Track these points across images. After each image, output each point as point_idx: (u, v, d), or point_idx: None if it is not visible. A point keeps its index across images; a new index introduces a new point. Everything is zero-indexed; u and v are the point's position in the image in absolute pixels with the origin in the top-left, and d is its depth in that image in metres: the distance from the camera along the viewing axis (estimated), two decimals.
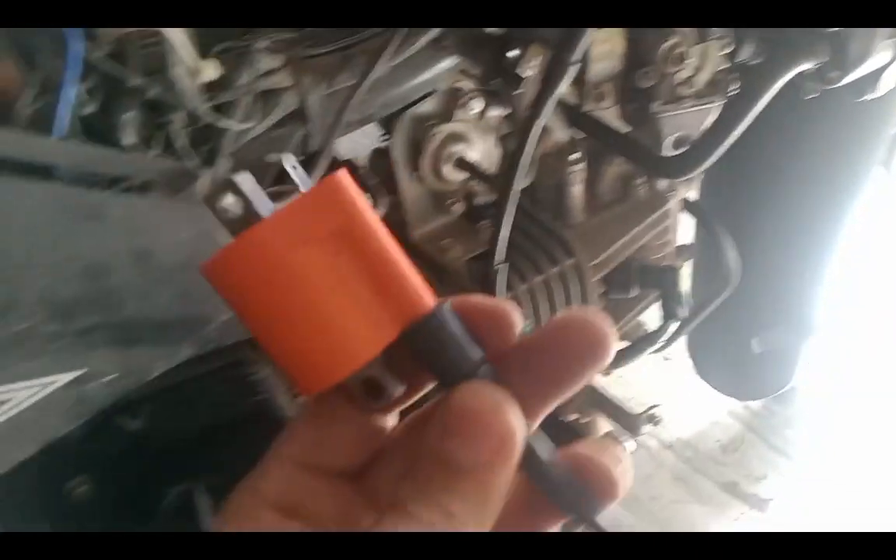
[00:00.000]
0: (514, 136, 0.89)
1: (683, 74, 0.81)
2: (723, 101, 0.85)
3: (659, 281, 0.94)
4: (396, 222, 0.89)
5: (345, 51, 0.68)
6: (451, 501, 0.27)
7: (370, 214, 0.29)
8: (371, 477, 0.33)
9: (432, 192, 0.89)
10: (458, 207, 0.91)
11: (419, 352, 0.30)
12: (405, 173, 0.86)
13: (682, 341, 1.06)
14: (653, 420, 1.07)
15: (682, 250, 1.09)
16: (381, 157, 0.90)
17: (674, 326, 0.93)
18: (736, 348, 1.38)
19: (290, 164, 0.31)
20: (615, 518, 0.31)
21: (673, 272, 0.94)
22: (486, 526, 0.28)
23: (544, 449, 0.30)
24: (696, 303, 0.99)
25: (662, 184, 0.97)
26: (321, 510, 0.30)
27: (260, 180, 0.62)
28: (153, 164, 0.51)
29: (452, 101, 0.83)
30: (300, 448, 0.31)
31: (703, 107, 0.84)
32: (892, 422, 1.97)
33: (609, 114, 0.89)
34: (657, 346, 0.94)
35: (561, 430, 0.30)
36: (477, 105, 0.83)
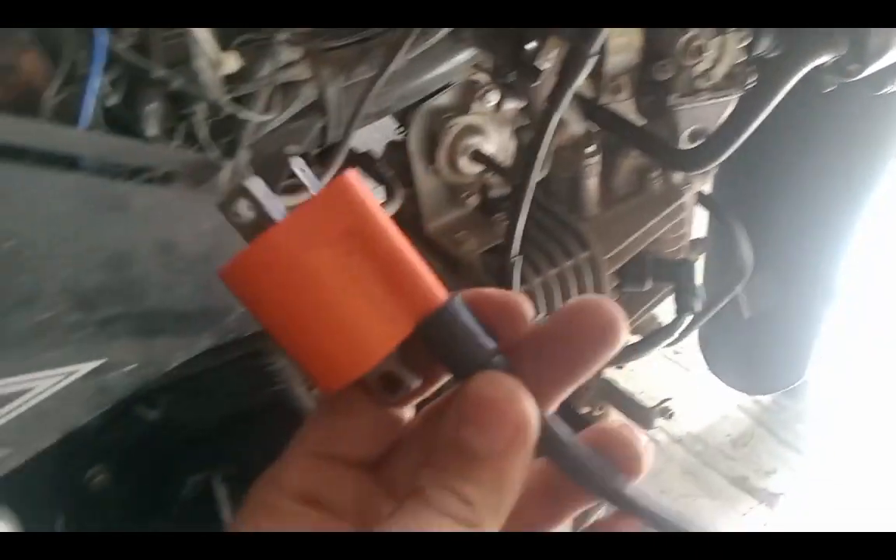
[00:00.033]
0: (530, 129, 0.89)
1: (701, 67, 0.81)
2: (740, 94, 0.84)
3: (673, 274, 0.94)
4: (411, 215, 0.89)
5: (363, 43, 0.68)
6: (468, 488, 0.28)
7: (380, 213, 0.29)
8: (389, 467, 0.33)
9: (448, 184, 0.89)
10: (474, 200, 0.91)
11: (433, 345, 0.30)
12: (421, 166, 0.86)
13: (693, 336, 1.05)
14: (665, 413, 1.08)
15: (697, 244, 1.09)
16: (396, 149, 0.90)
17: (687, 320, 0.93)
18: (747, 343, 1.37)
19: (299, 166, 0.31)
20: (642, 493, 0.31)
21: (688, 265, 0.94)
22: (502, 513, 0.28)
23: (563, 431, 0.31)
24: (708, 296, 0.99)
25: (678, 177, 0.97)
26: (341, 499, 0.31)
27: (279, 171, 0.63)
28: (176, 156, 0.51)
29: (469, 94, 0.83)
30: (319, 440, 0.32)
31: (720, 100, 0.84)
32: None
33: (625, 107, 0.89)
34: (672, 339, 0.93)
35: (574, 423, 0.30)
36: (493, 98, 0.83)
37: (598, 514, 0.35)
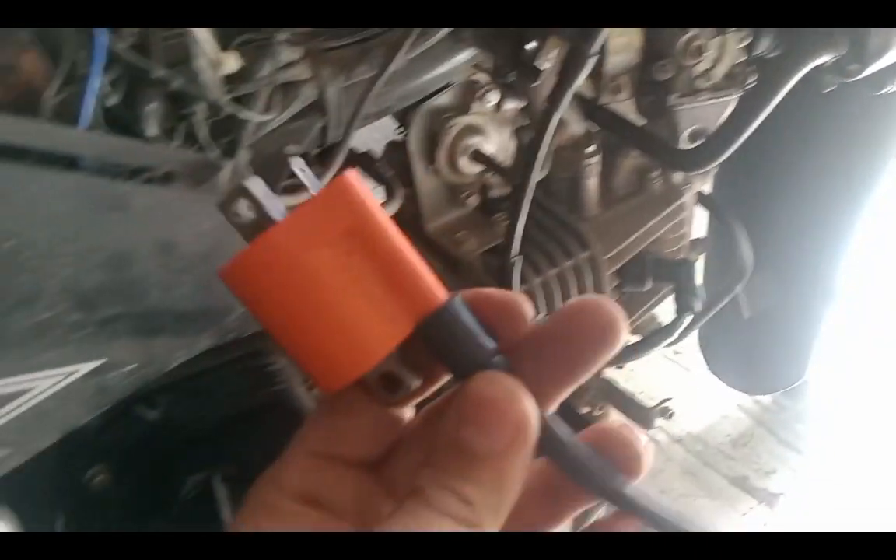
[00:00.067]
0: (530, 129, 0.89)
1: (701, 67, 0.81)
2: (740, 94, 0.84)
3: (673, 274, 0.94)
4: (411, 215, 0.89)
5: (363, 43, 0.68)
6: (468, 488, 0.28)
7: (380, 213, 0.29)
8: (389, 467, 0.33)
9: (447, 184, 0.89)
10: (473, 200, 0.91)
11: (433, 345, 0.30)
12: (421, 166, 0.86)
13: (692, 336, 1.05)
14: (666, 413, 1.08)
15: (696, 244, 1.09)
16: (396, 149, 0.90)
17: (687, 320, 0.93)
18: (747, 343, 1.37)
19: (299, 166, 0.31)
20: (642, 493, 0.31)
21: (688, 265, 0.94)
22: (502, 513, 0.28)
23: (563, 431, 0.31)
24: (708, 296, 0.99)
25: (678, 177, 0.97)
26: (341, 499, 0.31)
27: (279, 171, 0.63)
28: (176, 156, 0.51)
29: (469, 94, 0.83)
30: (320, 440, 0.32)
31: (720, 100, 0.84)
32: None
33: (625, 107, 0.89)
34: (672, 339, 0.93)
35: (574, 423, 0.30)
36: (493, 98, 0.83)
37: (597, 515, 0.35)
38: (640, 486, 0.31)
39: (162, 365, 0.54)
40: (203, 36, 0.52)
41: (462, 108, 0.84)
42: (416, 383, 0.32)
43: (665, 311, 1.12)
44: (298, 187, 0.31)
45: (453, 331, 0.30)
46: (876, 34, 0.70)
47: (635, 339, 1.01)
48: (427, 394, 0.33)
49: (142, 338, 0.51)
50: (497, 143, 0.88)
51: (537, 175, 0.70)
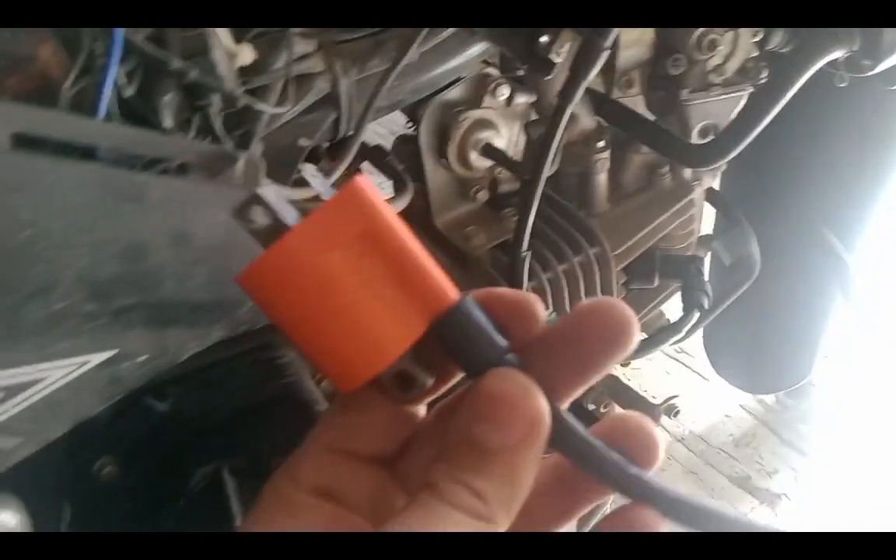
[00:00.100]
0: (540, 124, 0.89)
1: (714, 62, 0.81)
2: (751, 89, 0.84)
3: (682, 271, 0.94)
4: (420, 209, 0.89)
5: (376, 36, 0.68)
6: (481, 482, 0.28)
7: (391, 216, 0.30)
8: (403, 463, 0.34)
9: (457, 179, 0.89)
10: (483, 195, 0.91)
11: (446, 343, 0.31)
12: (431, 160, 0.86)
13: (696, 335, 1.06)
14: (672, 411, 1.08)
15: (705, 241, 1.09)
16: (405, 144, 0.90)
17: (696, 316, 0.93)
18: (751, 342, 1.38)
19: (311, 172, 0.32)
20: (658, 482, 0.31)
21: (697, 262, 0.94)
22: (514, 507, 0.29)
23: (576, 426, 0.31)
24: (715, 294, 0.99)
25: (687, 173, 0.97)
26: (355, 494, 0.31)
27: (292, 164, 0.63)
28: (191, 147, 0.51)
29: (481, 88, 0.83)
30: (335, 436, 0.32)
31: (732, 95, 0.84)
32: None
33: (634, 102, 0.89)
34: (679, 336, 0.94)
35: (581, 419, 0.31)
36: (505, 92, 0.83)
37: (604, 511, 0.35)
38: (656, 476, 0.32)
39: (174, 356, 0.54)
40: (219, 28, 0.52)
41: (474, 101, 0.84)
42: (429, 382, 0.32)
43: (668, 308, 1.12)
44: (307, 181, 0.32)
45: (466, 329, 0.31)
46: (889, 30, 0.70)
47: (642, 335, 1.01)
48: (440, 392, 0.34)
49: (155, 328, 0.51)
50: (507, 138, 0.88)
51: (548, 170, 0.70)
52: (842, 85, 0.77)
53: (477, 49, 0.75)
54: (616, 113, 0.83)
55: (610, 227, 0.92)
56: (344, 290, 0.29)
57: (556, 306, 0.86)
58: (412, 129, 0.87)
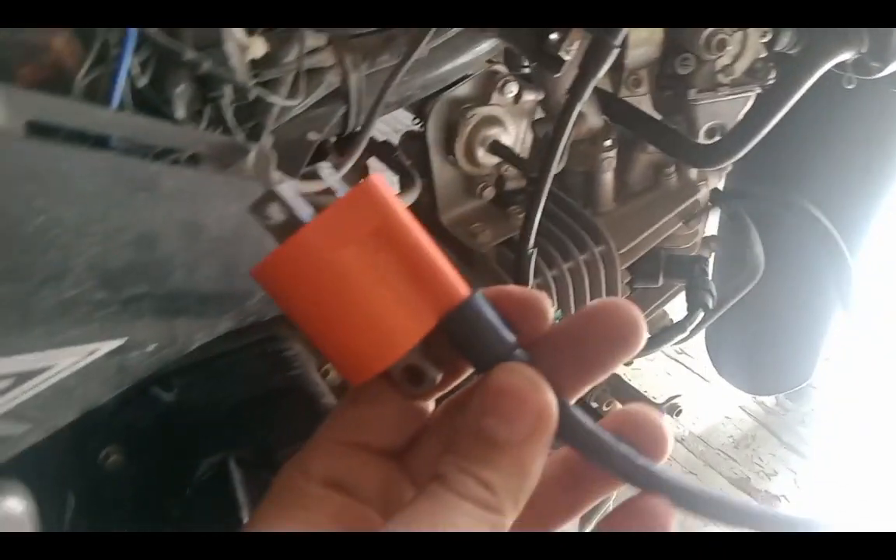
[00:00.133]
0: (548, 121, 0.89)
1: (722, 62, 0.81)
2: (759, 90, 0.84)
3: (687, 271, 0.94)
4: (426, 205, 0.90)
5: (387, 31, 0.68)
6: (489, 473, 0.28)
7: (404, 213, 0.31)
8: (411, 456, 0.34)
9: (464, 175, 0.89)
10: (489, 192, 0.91)
11: (456, 338, 0.31)
12: (438, 156, 0.86)
13: (697, 336, 1.06)
14: (674, 411, 1.08)
15: (709, 241, 1.09)
16: (412, 140, 0.90)
17: (700, 316, 0.93)
18: (753, 343, 1.38)
19: (326, 169, 0.33)
20: (668, 472, 0.32)
21: (701, 262, 0.94)
22: (522, 498, 0.29)
23: (584, 419, 0.31)
24: (718, 294, 0.99)
25: (693, 173, 0.97)
26: (365, 485, 0.32)
27: (301, 157, 0.63)
28: (203, 138, 0.51)
29: (489, 85, 0.83)
30: (345, 429, 0.33)
31: (740, 95, 0.84)
32: None
33: (642, 101, 0.89)
34: (684, 335, 0.94)
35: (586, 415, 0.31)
36: (513, 89, 0.83)
37: (605, 510, 0.35)
38: (665, 466, 0.32)
39: (183, 346, 0.54)
40: None
41: (482, 98, 0.84)
42: (438, 377, 0.33)
43: (671, 308, 1.12)
44: (315, 174, 0.32)
45: (475, 325, 0.31)
46: None
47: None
48: (449, 388, 0.35)
49: (164, 318, 0.51)
50: (514, 136, 0.88)
51: (556, 167, 0.70)
52: (849, 87, 0.77)
53: (486, 46, 0.75)
54: (623, 112, 0.83)
55: (615, 226, 0.92)
56: (356, 284, 0.30)
57: (561, 304, 0.86)
58: (419, 125, 0.87)
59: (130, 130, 0.47)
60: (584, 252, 0.87)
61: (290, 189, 0.30)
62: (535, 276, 0.81)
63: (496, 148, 0.85)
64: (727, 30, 0.80)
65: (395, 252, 0.30)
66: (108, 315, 0.48)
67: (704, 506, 0.31)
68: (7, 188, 0.41)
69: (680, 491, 0.31)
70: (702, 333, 1.12)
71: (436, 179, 0.87)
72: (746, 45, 0.82)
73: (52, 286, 0.45)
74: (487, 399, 0.30)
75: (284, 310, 0.31)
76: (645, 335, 0.31)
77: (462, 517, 0.28)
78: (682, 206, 0.95)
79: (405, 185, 0.82)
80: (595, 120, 0.87)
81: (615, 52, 0.65)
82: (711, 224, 1.14)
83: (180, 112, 0.51)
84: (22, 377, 0.47)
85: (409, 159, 0.85)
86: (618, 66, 0.84)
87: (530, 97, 0.85)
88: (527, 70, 0.91)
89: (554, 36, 0.67)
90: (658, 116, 0.89)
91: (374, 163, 0.88)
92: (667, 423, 0.33)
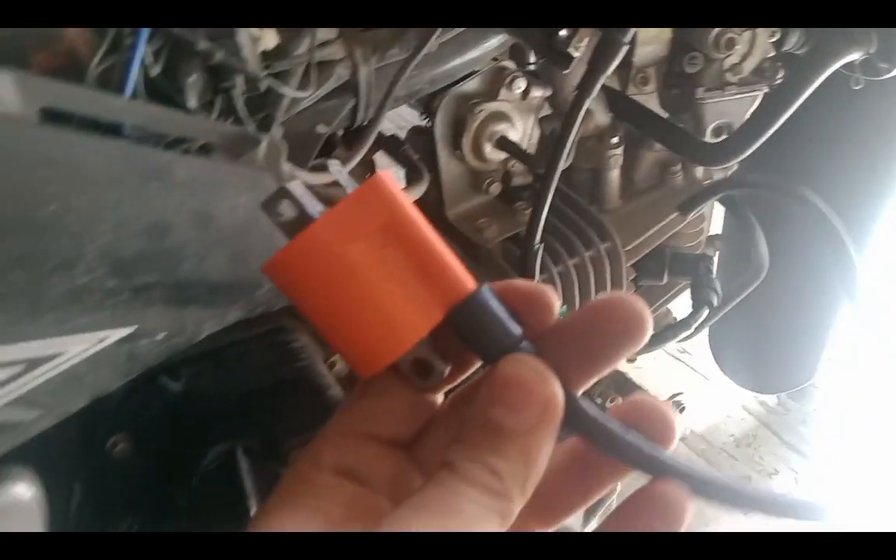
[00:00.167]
0: (555, 118, 0.89)
1: (731, 61, 0.81)
2: (767, 90, 0.85)
3: (692, 269, 0.94)
4: (433, 200, 0.90)
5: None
6: (497, 461, 0.29)
7: (411, 209, 0.31)
8: (421, 447, 0.35)
9: (471, 171, 0.89)
10: (496, 188, 0.91)
11: (463, 331, 0.32)
12: (445, 152, 0.87)
13: (699, 335, 1.06)
14: (677, 408, 1.08)
15: (714, 240, 1.09)
16: (419, 134, 0.90)
17: (705, 314, 0.93)
18: (757, 341, 1.38)
19: (336, 167, 0.34)
20: (678, 458, 0.32)
21: (706, 260, 0.94)
22: (529, 486, 0.30)
23: (592, 408, 0.32)
24: (723, 293, 0.99)
25: (699, 172, 0.97)
26: (375, 474, 0.32)
27: (310, 150, 0.63)
28: (215, 128, 0.51)
29: (497, 81, 0.83)
30: (355, 420, 0.33)
31: (747, 94, 0.84)
32: None
33: (648, 99, 0.89)
34: (689, 332, 0.94)
35: None
36: (521, 84, 0.83)
37: (608, 505, 0.36)
38: (674, 453, 0.32)
39: (192, 334, 0.54)
40: None
41: (490, 94, 0.84)
42: (446, 370, 0.33)
43: (675, 306, 1.12)
44: (324, 167, 0.33)
45: (482, 318, 0.32)
46: None
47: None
48: (457, 381, 0.35)
49: (174, 307, 0.52)
50: (521, 132, 0.88)
51: (563, 163, 0.71)
52: (857, 87, 0.77)
53: (495, 41, 0.76)
54: (630, 110, 0.84)
55: (621, 224, 0.92)
56: (365, 279, 0.30)
57: (567, 301, 0.86)
58: (426, 120, 0.87)
59: (143, 119, 0.48)
60: (590, 249, 0.87)
61: (300, 186, 0.31)
62: (541, 272, 0.81)
63: (503, 144, 0.85)
64: (736, 29, 0.80)
65: (402, 247, 0.31)
66: (118, 303, 0.49)
67: (713, 491, 0.32)
68: (20, 174, 0.41)
69: (689, 477, 0.32)
70: (705, 331, 1.12)
71: (442, 174, 0.88)
72: (755, 44, 0.82)
73: (63, 273, 0.45)
74: (494, 390, 0.30)
75: (295, 304, 0.32)
76: (650, 328, 0.31)
77: (470, 503, 0.28)
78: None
79: (412, 180, 0.82)
80: (602, 117, 0.88)
81: (624, 49, 0.65)
82: (716, 223, 1.14)
83: (192, 101, 0.52)
84: (33, 363, 0.47)
85: (416, 154, 0.85)
86: (626, 63, 0.84)
87: (538, 93, 0.86)
88: (532, 66, 0.91)
89: (563, 33, 0.68)
90: (665, 115, 0.89)
91: (380, 157, 0.88)
92: (673, 412, 0.33)
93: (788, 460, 2.01)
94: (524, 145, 0.89)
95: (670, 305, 1.11)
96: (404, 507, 0.28)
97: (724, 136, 0.87)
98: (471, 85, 0.83)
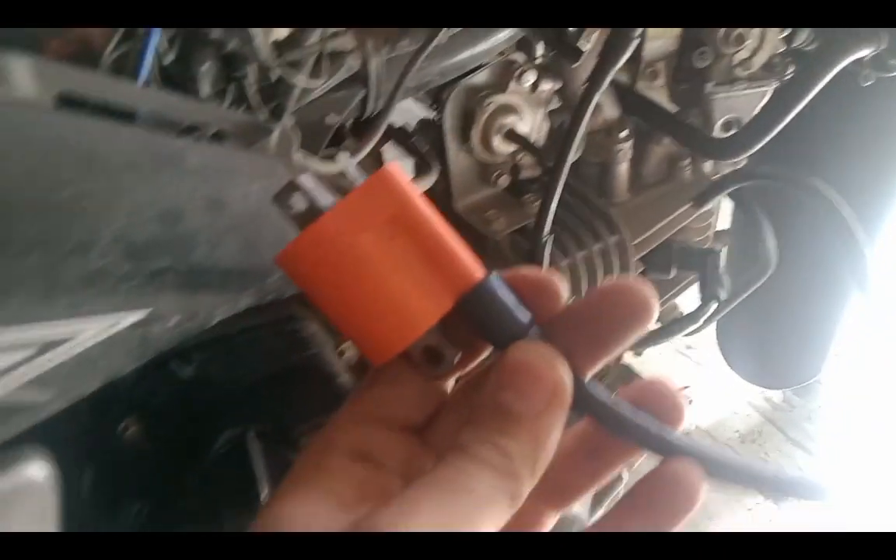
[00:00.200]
0: (563, 112, 0.89)
1: (740, 56, 0.81)
2: (775, 85, 0.85)
3: (699, 263, 0.94)
4: (442, 191, 0.90)
5: None
6: (507, 442, 0.29)
7: (419, 200, 0.32)
8: (432, 430, 0.35)
9: (480, 163, 0.90)
10: (504, 180, 0.91)
11: (473, 319, 0.33)
12: (454, 144, 0.87)
13: (705, 331, 1.06)
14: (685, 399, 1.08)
15: (721, 235, 1.09)
16: (428, 128, 0.90)
17: (712, 308, 0.93)
18: (764, 336, 1.38)
19: (345, 159, 0.34)
20: (687, 438, 0.33)
21: (714, 255, 0.94)
22: (539, 468, 0.30)
23: (601, 392, 0.33)
24: (731, 287, 0.99)
25: (708, 166, 0.97)
26: (388, 456, 0.33)
27: (320, 139, 0.63)
28: (228, 116, 0.52)
29: (507, 73, 0.83)
30: (368, 406, 0.34)
31: (756, 90, 0.84)
32: None
33: (658, 93, 0.89)
34: (696, 326, 0.94)
35: None
36: (531, 77, 0.83)
37: (615, 496, 0.36)
38: (682, 433, 0.33)
39: (204, 320, 0.55)
40: None
41: (499, 86, 0.84)
42: (456, 357, 0.34)
43: (682, 300, 1.12)
44: (334, 156, 0.33)
45: (491, 305, 0.32)
46: None
47: (658, 325, 1.01)
48: (467, 369, 0.36)
49: (187, 292, 0.52)
50: (530, 124, 0.89)
51: (573, 155, 0.71)
52: (866, 84, 0.77)
53: (505, 34, 0.76)
54: (639, 104, 0.84)
55: (629, 217, 0.92)
56: (375, 269, 0.31)
57: (575, 293, 0.86)
58: (435, 112, 0.88)
59: (157, 105, 0.48)
60: (598, 242, 0.87)
61: (310, 178, 0.32)
62: (549, 264, 0.82)
63: (512, 136, 0.86)
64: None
65: (411, 237, 0.31)
66: (132, 287, 0.49)
67: (721, 470, 0.32)
68: (36, 159, 0.42)
69: (697, 455, 0.32)
70: (712, 327, 1.12)
71: (451, 166, 0.88)
72: (765, 39, 0.82)
73: (78, 256, 0.46)
74: (504, 375, 0.31)
75: (306, 295, 0.32)
76: (656, 311, 0.32)
77: (480, 483, 0.28)
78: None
79: (421, 171, 0.83)
80: (611, 111, 0.88)
81: (635, 43, 0.65)
82: (724, 218, 1.14)
83: (205, 90, 0.52)
84: (47, 345, 0.48)
85: (425, 146, 0.86)
86: (635, 57, 0.84)
87: (547, 86, 0.86)
88: (540, 60, 0.91)
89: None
90: (674, 109, 0.89)
91: (389, 148, 0.88)
92: (681, 392, 0.33)
93: (793, 457, 2.00)
94: (533, 138, 0.90)
95: (677, 300, 1.11)
96: (414, 486, 0.28)
97: (733, 131, 0.87)
98: (480, 77, 0.83)
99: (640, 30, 0.64)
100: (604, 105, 0.86)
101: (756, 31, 0.81)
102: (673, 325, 0.95)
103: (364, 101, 0.70)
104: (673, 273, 0.97)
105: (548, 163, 0.72)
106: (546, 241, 0.76)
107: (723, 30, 0.79)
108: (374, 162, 0.84)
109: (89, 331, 0.49)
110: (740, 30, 0.79)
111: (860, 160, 1.07)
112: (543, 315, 0.33)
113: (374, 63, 0.67)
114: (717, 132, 0.86)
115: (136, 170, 0.47)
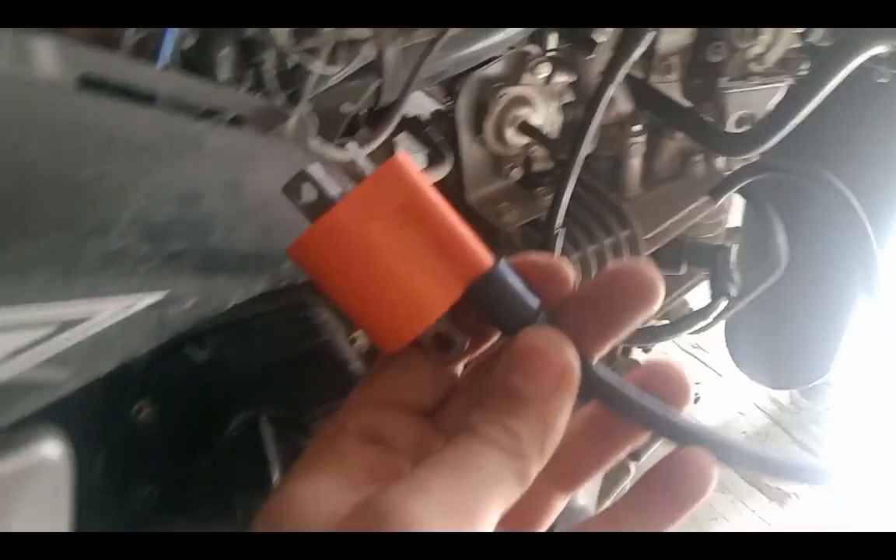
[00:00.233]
0: (577, 105, 0.89)
1: (755, 51, 0.81)
2: (790, 81, 0.84)
3: (711, 259, 0.94)
4: (454, 183, 0.90)
5: None
6: (516, 423, 0.30)
7: (429, 189, 0.32)
8: (443, 414, 0.36)
9: (492, 155, 0.90)
10: (517, 173, 0.91)
11: (482, 306, 0.33)
12: (467, 135, 0.87)
13: (713, 332, 1.06)
14: (694, 399, 1.08)
15: (733, 232, 1.09)
16: (440, 118, 0.91)
17: (722, 304, 0.93)
18: (773, 336, 1.38)
19: (354, 150, 0.35)
20: (695, 421, 0.33)
21: (725, 251, 0.94)
22: (547, 450, 0.31)
23: (610, 375, 0.33)
24: (742, 285, 0.99)
25: (720, 162, 0.97)
26: (400, 439, 0.33)
27: (335, 128, 0.63)
28: (246, 101, 0.52)
29: (521, 65, 0.83)
30: (379, 390, 0.35)
31: (771, 85, 0.84)
32: None
33: (671, 88, 0.89)
34: (706, 322, 0.94)
35: None
36: (544, 70, 0.84)
37: (622, 488, 0.37)
38: (688, 416, 0.33)
39: (220, 303, 0.55)
40: None
41: (513, 78, 0.84)
42: (466, 343, 0.35)
43: (692, 298, 1.12)
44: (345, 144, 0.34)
45: (501, 292, 0.33)
46: None
47: (668, 321, 1.01)
48: (477, 354, 0.36)
49: (203, 275, 0.53)
50: (544, 117, 0.89)
51: (587, 148, 0.71)
52: (882, 81, 0.77)
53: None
54: (653, 98, 0.84)
55: (641, 212, 0.92)
56: (385, 258, 0.31)
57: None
58: (448, 104, 0.88)
59: (177, 89, 0.49)
60: (610, 236, 0.87)
61: (319, 168, 0.32)
62: (561, 256, 0.82)
63: (525, 128, 0.86)
64: None
65: (421, 226, 0.32)
66: (149, 269, 0.50)
67: (727, 453, 0.33)
68: (57, 140, 0.42)
69: (703, 438, 0.33)
70: (720, 327, 1.12)
71: (464, 158, 0.88)
72: (779, 35, 0.82)
73: (97, 237, 0.46)
74: (513, 359, 0.31)
75: (319, 285, 0.33)
76: (662, 293, 0.32)
77: (488, 461, 0.29)
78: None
79: (434, 161, 0.83)
80: (624, 105, 0.88)
81: (650, 37, 0.65)
82: (736, 216, 1.14)
83: (224, 74, 0.53)
84: (65, 325, 0.48)
85: (438, 136, 0.86)
86: (649, 51, 0.84)
87: (561, 79, 0.86)
88: (554, 52, 0.91)
89: None
90: (688, 104, 0.89)
91: (403, 139, 0.89)
92: (687, 373, 0.34)
93: None
94: (546, 131, 0.90)
95: (687, 297, 1.11)
96: (424, 465, 0.29)
97: (746, 127, 0.87)
98: (494, 69, 0.84)
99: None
100: (617, 99, 0.86)
101: None
102: (682, 320, 0.95)
103: (379, 90, 0.70)
104: (684, 269, 0.97)
105: (560, 156, 0.73)
106: (558, 234, 0.76)
107: None
108: (387, 152, 0.84)
109: (107, 311, 0.50)
110: None
111: (873, 158, 1.07)
112: (552, 300, 0.34)
113: (389, 52, 0.67)
114: (731, 127, 0.86)
115: (155, 152, 0.47)
